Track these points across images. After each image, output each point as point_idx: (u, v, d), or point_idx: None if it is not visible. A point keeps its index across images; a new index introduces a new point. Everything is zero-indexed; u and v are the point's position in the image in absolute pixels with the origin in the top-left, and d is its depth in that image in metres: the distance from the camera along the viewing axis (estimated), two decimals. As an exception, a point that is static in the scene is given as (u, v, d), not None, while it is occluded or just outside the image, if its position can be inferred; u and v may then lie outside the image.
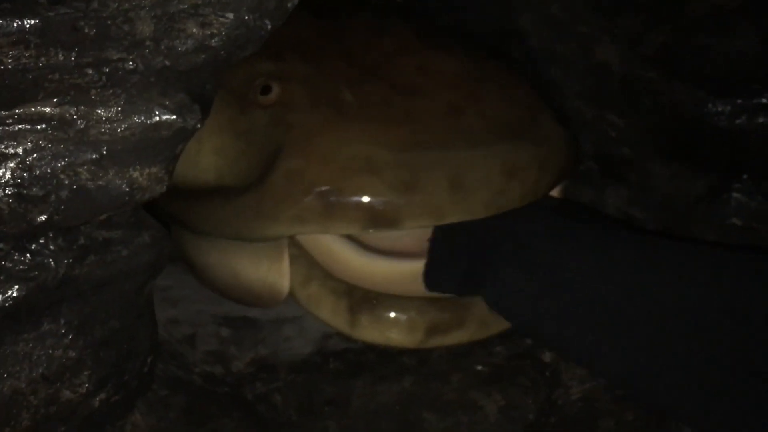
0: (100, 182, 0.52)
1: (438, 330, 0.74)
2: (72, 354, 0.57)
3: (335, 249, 0.74)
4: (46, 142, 0.50)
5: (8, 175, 0.49)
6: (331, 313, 0.75)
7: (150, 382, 0.67)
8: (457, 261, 0.74)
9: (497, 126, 0.74)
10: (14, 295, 0.53)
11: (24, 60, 0.47)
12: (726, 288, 0.67)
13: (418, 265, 0.74)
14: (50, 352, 0.56)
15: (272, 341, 0.78)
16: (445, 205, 0.70)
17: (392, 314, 0.74)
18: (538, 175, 0.73)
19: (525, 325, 0.75)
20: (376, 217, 0.70)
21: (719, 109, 0.76)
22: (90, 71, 0.49)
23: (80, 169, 0.51)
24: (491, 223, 0.72)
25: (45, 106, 0.50)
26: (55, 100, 0.50)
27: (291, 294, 0.77)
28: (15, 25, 0.46)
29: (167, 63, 0.51)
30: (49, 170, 0.50)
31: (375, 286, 0.74)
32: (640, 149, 0.83)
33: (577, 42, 0.86)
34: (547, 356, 0.76)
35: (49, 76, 0.48)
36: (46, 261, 0.53)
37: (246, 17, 0.52)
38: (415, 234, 0.74)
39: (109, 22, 0.49)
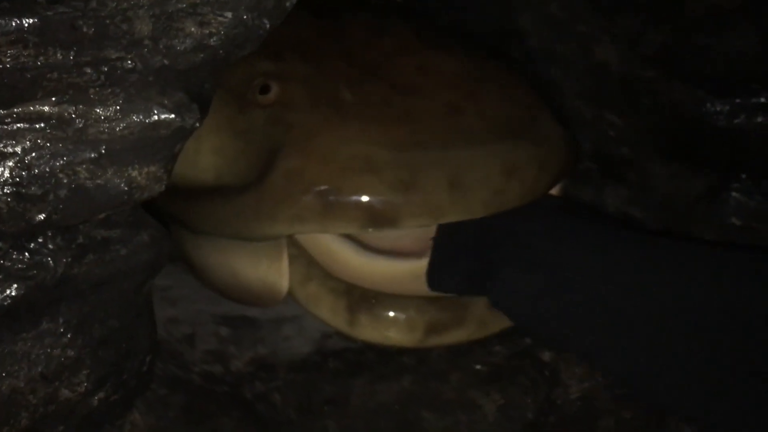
0: (99, 181, 0.52)
1: (437, 329, 0.74)
2: (71, 353, 0.57)
3: (334, 248, 0.74)
4: (44, 141, 0.50)
5: (6, 174, 0.49)
6: (330, 312, 0.75)
7: (149, 381, 0.67)
8: (461, 261, 0.74)
9: (497, 126, 0.74)
10: (13, 294, 0.52)
11: (22, 59, 0.47)
12: (726, 287, 0.67)
13: (417, 265, 0.74)
14: (49, 351, 0.56)
15: (271, 340, 0.78)
16: (445, 204, 0.70)
17: (391, 313, 0.74)
18: (538, 175, 0.73)
19: (530, 326, 0.74)
20: (375, 217, 0.70)
21: (718, 109, 0.76)
22: (88, 70, 0.49)
23: (79, 168, 0.51)
24: (495, 222, 0.72)
25: (43, 105, 0.49)
26: (53, 99, 0.50)
27: (290, 293, 0.77)
28: (13, 24, 0.46)
29: (166, 62, 0.51)
30: (47, 169, 0.50)
31: (374, 286, 0.74)
32: (640, 149, 0.83)
33: (577, 42, 0.86)
34: (547, 355, 0.76)
35: (48, 75, 0.48)
36: (44, 260, 0.53)
37: (244, 16, 0.52)
38: (415, 233, 0.74)
39: (107, 21, 0.49)
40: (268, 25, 0.54)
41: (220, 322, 0.79)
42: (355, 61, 0.77)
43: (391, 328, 0.74)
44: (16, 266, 0.53)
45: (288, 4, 0.55)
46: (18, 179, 0.50)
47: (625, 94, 0.83)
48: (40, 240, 0.53)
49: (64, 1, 0.47)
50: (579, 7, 0.85)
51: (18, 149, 0.49)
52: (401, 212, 0.70)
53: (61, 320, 0.56)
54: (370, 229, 0.71)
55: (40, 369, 0.56)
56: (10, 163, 0.49)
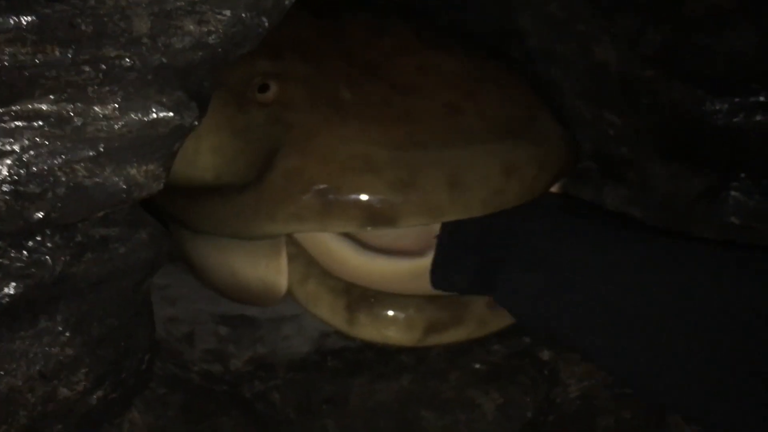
0: (98, 179, 0.52)
1: (436, 328, 0.74)
2: (69, 351, 0.57)
3: (333, 247, 0.74)
4: (43, 140, 0.50)
5: (5, 172, 0.49)
6: (329, 311, 0.75)
7: (148, 380, 0.67)
8: (465, 259, 0.74)
9: (496, 125, 0.74)
10: (11, 292, 0.53)
11: (21, 57, 0.47)
12: (726, 287, 0.67)
13: (416, 264, 0.74)
14: (47, 349, 0.56)
15: (271, 340, 0.78)
16: (444, 203, 0.70)
17: (390, 312, 0.74)
18: (537, 174, 0.73)
19: (534, 324, 0.74)
20: (374, 216, 0.70)
21: (717, 108, 0.76)
22: (87, 68, 0.49)
23: (77, 167, 0.51)
24: (499, 221, 0.72)
25: (42, 104, 0.50)
26: (52, 97, 0.50)
27: (289, 292, 0.77)
28: (12, 21, 0.46)
29: (164, 60, 0.51)
30: (46, 167, 0.50)
31: (373, 285, 0.74)
32: (639, 148, 0.83)
33: (576, 41, 0.86)
34: (546, 354, 0.76)
35: (46, 74, 0.48)
36: (43, 258, 0.53)
37: (243, 14, 0.52)
38: (414, 232, 0.74)
39: (106, 19, 0.49)
40: (266, 24, 0.54)
41: (219, 322, 0.79)
42: (355, 61, 0.77)
43: (390, 327, 0.74)
44: (14, 265, 0.53)
45: (287, 2, 0.55)
46: (16, 177, 0.50)
47: (624, 94, 0.83)
48: (38, 238, 0.53)
49: (62, -1, 0.48)
50: (579, 6, 0.85)
51: (16, 147, 0.49)
52: (400, 211, 0.70)
53: (59, 319, 0.56)
54: (369, 228, 0.71)
55: (38, 367, 0.56)
56: (9, 162, 0.49)
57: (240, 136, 0.74)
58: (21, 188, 0.50)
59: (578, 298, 0.69)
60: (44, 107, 0.50)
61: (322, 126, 0.72)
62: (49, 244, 0.54)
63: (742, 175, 0.77)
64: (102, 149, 0.52)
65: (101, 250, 0.56)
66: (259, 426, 0.70)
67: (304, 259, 0.76)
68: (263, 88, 0.75)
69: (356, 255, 0.74)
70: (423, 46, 0.80)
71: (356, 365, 0.75)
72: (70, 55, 0.49)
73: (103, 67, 0.50)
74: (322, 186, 0.70)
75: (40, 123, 0.50)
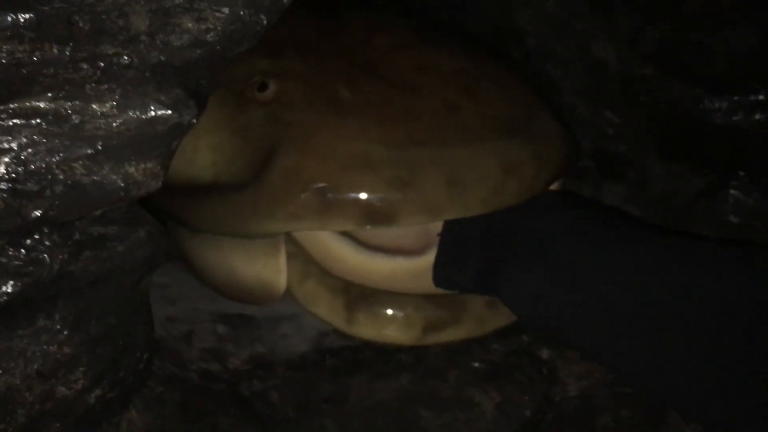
0: (95, 177, 0.52)
1: (435, 327, 0.74)
2: (67, 350, 0.57)
3: (332, 246, 0.74)
4: (40, 137, 0.50)
5: (3, 170, 0.49)
6: (328, 310, 0.75)
7: (146, 378, 0.67)
8: (468, 258, 0.74)
9: (495, 124, 0.74)
10: (9, 290, 0.52)
11: (18, 54, 0.47)
12: (726, 286, 0.67)
13: (415, 262, 0.74)
14: (45, 347, 0.56)
15: (269, 339, 0.78)
16: (442, 202, 0.70)
17: (389, 311, 0.74)
18: (536, 173, 0.73)
19: (539, 324, 0.74)
20: (372, 214, 0.70)
21: (716, 106, 0.76)
22: (85, 66, 0.49)
23: (75, 164, 0.51)
24: (501, 219, 0.72)
25: (39, 101, 0.49)
26: (49, 94, 0.50)
27: (288, 291, 0.77)
28: (9, 19, 0.46)
29: (162, 58, 0.51)
30: (43, 165, 0.50)
31: (372, 283, 0.74)
32: (638, 147, 0.83)
33: (576, 40, 0.86)
34: (545, 353, 0.76)
35: (44, 71, 0.48)
36: (41, 256, 0.53)
37: (241, 12, 0.52)
38: (413, 231, 0.74)
39: (103, 16, 0.49)
40: (265, 21, 0.54)
41: (218, 320, 0.79)
42: (354, 60, 0.77)
43: (389, 325, 0.74)
44: (12, 263, 0.52)
45: (285, 0, 0.55)
46: (14, 175, 0.50)
47: (623, 93, 0.83)
48: (36, 236, 0.53)
49: (60, -4, 0.47)
50: (578, 5, 0.85)
51: (14, 145, 0.49)
52: (399, 210, 0.70)
53: (57, 317, 0.56)
54: (368, 227, 0.71)
55: (36, 366, 0.56)
56: (6, 159, 0.49)
57: (239, 134, 0.74)
58: (19, 186, 0.50)
59: (579, 297, 0.69)
60: (42, 105, 0.50)
61: (321, 125, 0.72)
62: (47, 243, 0.54)
63: (741, 173, 0.77)
64: (100, 147, 0.52)
65: (99, 248, 0.56)
66: (258, 425, 0.70)
67: (302, 258, 0.76)
68: (262, 87, 0.75)
69: (355, 254, 0.74)
70: (422, 46, 0.79)
71: (355, 364, 0.75)
72: (68, 53, 0.49)
73: (101, 64, 0.50)
74: (321, 185, 0.70)
75: (38, 121, 0.50)
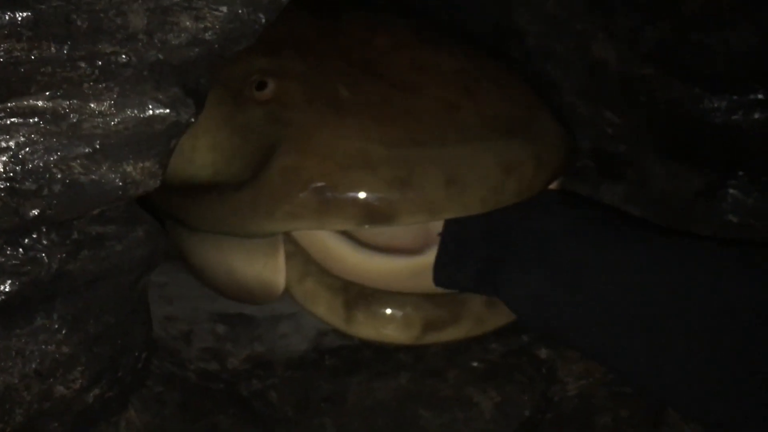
0: (93, 176, 0.52)
1: (434, 326, 0.74)
2: (65, 349, 0.57)
3: (331, 245, 0.74)
4: (38, 136, 0.50)
5: (0, 169, 0.49)
6: (326, 309, 0.75)
7: (144, 378, 0.67)
8: (468, 258, 0.74)
9: (495, 123, 0.74)
10: (7, 290, 0.52)
11: (16, 53, 0.47)
12: (726, 285, 0.67)
13: (414, 262, 0.74)
14: (43, 347, 0.56)
15: (268, 338, 0.78)
16: (441, 201, 0.70)
17: (388, 311, 0.74)
18: (535, 172, 0.73)
19: (539, 324, 0.74)
20: (371, 213, 0.69)
21: (716, 106, 0.76)
22: (83, 65, 0.49)
23: (73, 163, 0.51)
24: (502, 218, 0.72)
25: (37, 100, 0.49)
26: (47, 93, 0.49)
27: (287, 290, 0.77)
28: (7, 17, 0.46)
29: (161, 56, 0.51)
30: (41, 164, 0.50)
31: (371, 283, 0.74)
32: (638, 146, 0.83)
33: (575, 40, 0.86)
34: (543, 353, 0.76)
35: (42, 70, 0.48)
36: (39, 256, 0.53)
37: (239, 11, 0.52)
38: (412, 230, 0.74)
39: (101, 15, 0.49)
40: (263, 20, 0.54)
41: (216, 320, 0.79)
42: (353, 59, 0.77)
43: (388, 325, 0.74)
44: (9, 262, 0.52)
45: (284, -1, 0.55)
46: (12, 174, 0.50)
47: (623, 92, 0.83)
48: (34, 235, 0.53)
49: (57, -5, 0.47)
50: (577, 5, 0.85)
51: (12, 144, 0.49)
52: (398, 209, 0.69)
53: (55, 316, 0.56)
54: (367, 226, 0.71)
55: (34, 365, 0.56)
56: (4, 158, 0.49)
57: (237, 133, 0.74)
58: (16, 185, 0.50)
59: (579, 297, 0.69)
60: (40, 104, 0.50)
61: (321, 124, 0.72)
62: (44, 242, 0.53)
63: (741, 172, 0.77)
64: (98, 146, 0.51)
65: (97, 247, 0.56)
66: (257, 424, 0.70)
67: (301, 257, 0.76)
68: (261, 86, 0.74)
69: (354, 253, 0.74)
70: (422, 45, 0.79)
71: (354, 364, 0.75)
72: (65, 51, 0.48)
73: (99, 63, 0.50)
74: (319, 184, 0.70)
75: (36, 119, 0.50)
